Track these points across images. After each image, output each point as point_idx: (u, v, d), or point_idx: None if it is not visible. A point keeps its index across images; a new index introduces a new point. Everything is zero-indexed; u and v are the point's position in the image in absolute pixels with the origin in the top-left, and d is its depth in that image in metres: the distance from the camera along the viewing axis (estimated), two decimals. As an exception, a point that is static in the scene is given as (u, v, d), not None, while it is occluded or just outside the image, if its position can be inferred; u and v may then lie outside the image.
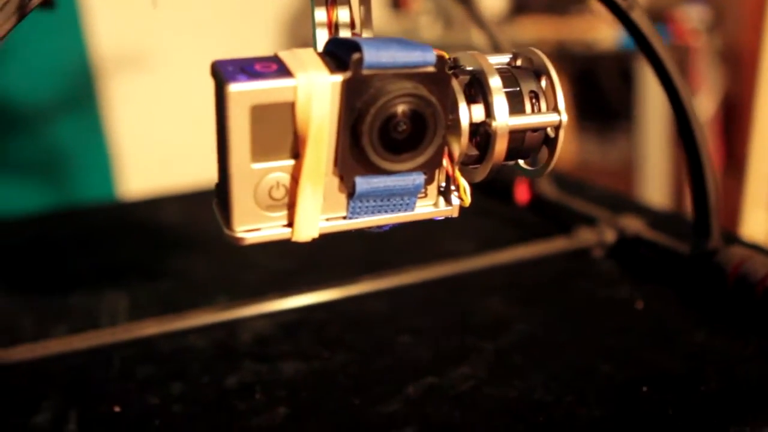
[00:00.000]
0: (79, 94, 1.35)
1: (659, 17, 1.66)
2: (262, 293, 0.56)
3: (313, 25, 0.40)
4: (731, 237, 0.61)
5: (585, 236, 0.61)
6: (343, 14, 0.40)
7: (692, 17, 1.67)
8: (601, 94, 2.19)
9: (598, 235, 0.61)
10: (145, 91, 1.62)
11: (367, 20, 0.40)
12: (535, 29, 1.83)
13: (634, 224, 0.61)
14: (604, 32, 1.69)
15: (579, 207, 0.67)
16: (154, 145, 1.63)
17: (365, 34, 0.40)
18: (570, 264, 0.60)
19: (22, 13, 0.40)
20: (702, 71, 1.66)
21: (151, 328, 0.51)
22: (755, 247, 0.58)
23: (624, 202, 0.75)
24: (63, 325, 0.56)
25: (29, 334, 0.54)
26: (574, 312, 0.54)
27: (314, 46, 0.40)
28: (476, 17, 0.69)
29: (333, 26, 0.40)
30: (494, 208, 0.72)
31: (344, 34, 0.40)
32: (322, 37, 0.40)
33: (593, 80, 2.18)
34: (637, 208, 0.72)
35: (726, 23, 1.79)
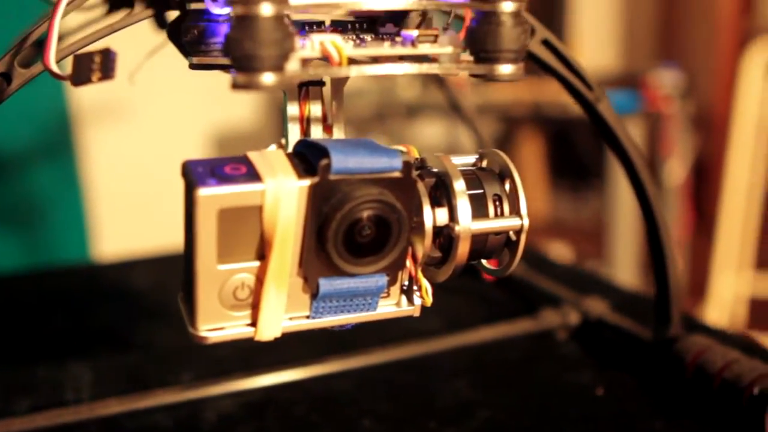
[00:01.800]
0: (56, 148, 1.35)
1: (633, 83, 1.69)
2: (228, 368, 0.56)
3: (285, 120, 0.41)
4: (692, 322, 0.62)
5: (549, 318, 0.62)
6: (315, 108, 0.41)
7: (665, 83, 1.70)
8: (574, 153, 2.22)
9: (562, 317, 0.61)
10: (123, 147, 1.62)
11: (338, 115, 0.41)
12: (511, 91, 1.85)
13: (597, 306, 0.62)
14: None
15: (544, 285, 0.68)
16: (130, 204, 1.62)
17: (336, 128, 0.41)
18: (534, 346, 0.61)
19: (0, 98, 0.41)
20: (674, 137, 1.68)
21: (115, 406, 0.51)
22: (715, 333, 0.59)
23: (589, 279, 0.76)
24: (28, 398, 0.55)
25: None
26: (537, 397, 0.54)
27: (285, 139, 0.41)
28: (463, 113, 0.71)
29: (305, 120, 0.41)
30: (461, 283, 0.72)
31: (316, 128, 0.41)
32: (294, 131, 0.40)
33: (567, 139, 2.20)
34: (602, 286, 0.73)
35: (698, 88, 1.82)
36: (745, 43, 1.66)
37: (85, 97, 1.54)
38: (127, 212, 1.61)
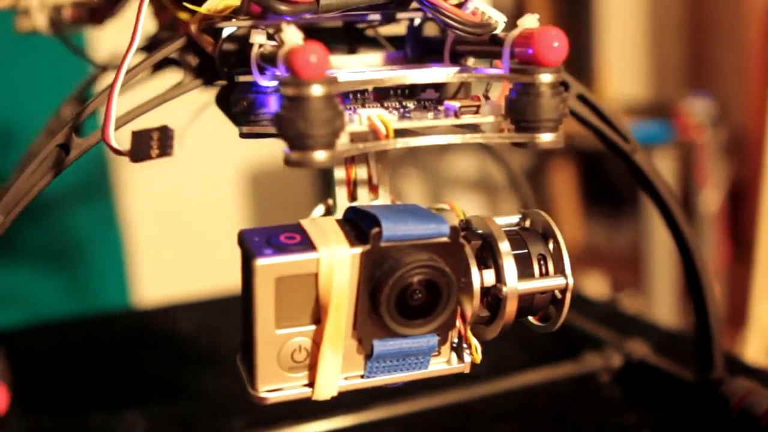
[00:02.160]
0: (93, 188, 1.37)
1: (664, 112, 1.70)
2: (279, 414, 0.57)
3: (332, 183, 0.42)
4: (733, 361, 0.62)
5: (592, 361, 0.62)
6: (360, 171, 0.42)
7: (697, 111, 1.70)
8: (608, 180, 2.22)
9: (604, 360, 0.62)
10: (160, 187, 1.63)
11: (383, 176, 0.43)
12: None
13: (639, 348, 0.62)
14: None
15: (585, 326, 0.68)
16: (170, 246, 1.63)
17: (381, 190, 0.43)
18: (578, 389, 0.61)
19: (59, 168, 0.42)
20: (708, 165, 1.69)
21: (170, 456, 0.53)
22: (757, 373, 0.60)
23: (629, 319, 0.77)
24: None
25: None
26: (582, 441, 0.55)
27: (333, 201, 0.42)
28: (493, 150, 0.72)
29: (351, 183, 0.42)
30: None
31: (362, 190, 0.42)
32: (341, 193, 0.42)
33: (600, 167, 2.20)
34: (642, 325, 0.74)
35: (730, 115, 1.82)
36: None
37: (121, 137, 1.56)
38: (167, 255, 1.62)
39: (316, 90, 0.31)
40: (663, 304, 1.75)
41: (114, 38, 0.60)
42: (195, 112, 0.57)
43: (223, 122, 0.45)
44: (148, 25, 0.54)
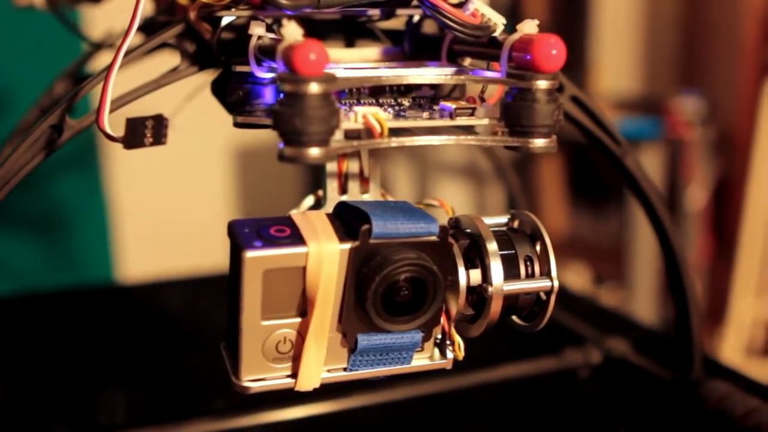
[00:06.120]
0: (80, 160, 1.36)
1: (654, 109, 1.70)
2: (259, 397, 0.58)
3: (324, 174, 0.42)
4: (710, 362, 0.63)
5: (572, 356, 0.63)
6: (352, 165, 0.43)
7: (687, 109, 1.71)
8: (595, 171, 2.22)
9: (584, 356, 0.63)
10: (149, 161, 1.62)
11: (374, 170, 0.43)
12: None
13: (619, 346, 0.63)
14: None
15: (567, 322, 0.69)
16: (156, 221, 1.60)
17: (372, 182, 0.43)
18: (557, 384, 0.62)
19: (50, 148, 0.42)
20: (695, 163, 1.69)
21: (150, 435, 0.53)
22: (732, 374, 0.60)
23: (611, 316, 0.78)
24: (63, 423, 0.57)
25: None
26: (559, 437, 0.56)
27: (323, 192, 0.43)
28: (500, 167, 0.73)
29: (343, 176, 0.43)
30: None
31: (353, 183, 0.43)
32: (332, 185, 0.42)
33: (588, 158, 2.21)
34: (624, 323, 0.75)
35: (720, 114, 1.82)
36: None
37: (114, 119, 1.55)
38: (152, 229, 1.61)
39: (314, 87, 0.32)
40: (644, 296, 1.76)
41: (110, 16, 0.60)
42: (188, 96, 0.57)
43: (211, 99, 0.45)
44: (146, 6, 0.53)
